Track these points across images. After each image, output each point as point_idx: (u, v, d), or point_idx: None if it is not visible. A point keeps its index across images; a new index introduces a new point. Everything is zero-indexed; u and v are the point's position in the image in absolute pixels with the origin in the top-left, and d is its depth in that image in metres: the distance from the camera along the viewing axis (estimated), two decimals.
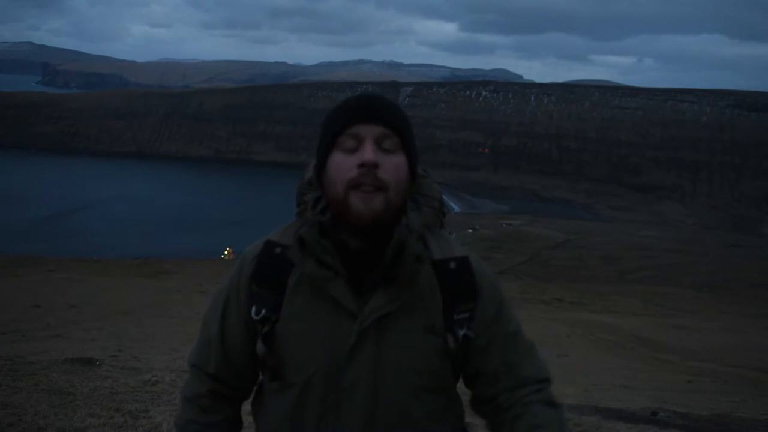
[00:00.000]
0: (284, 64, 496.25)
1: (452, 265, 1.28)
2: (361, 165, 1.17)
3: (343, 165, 1.20)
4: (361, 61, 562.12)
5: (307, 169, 1.38)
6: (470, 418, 1.42)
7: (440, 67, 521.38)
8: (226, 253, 53.44)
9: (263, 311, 1.24)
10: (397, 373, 1.22)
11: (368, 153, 1.18)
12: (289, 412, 1.25)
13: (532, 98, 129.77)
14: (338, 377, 1.21)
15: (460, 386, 1.35)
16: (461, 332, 1.25)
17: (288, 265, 1.25)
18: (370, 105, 1.24)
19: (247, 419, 1.42)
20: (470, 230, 66.67)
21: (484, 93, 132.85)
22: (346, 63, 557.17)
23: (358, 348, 1.21)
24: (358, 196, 1.18)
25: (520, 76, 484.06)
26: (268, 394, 1.31)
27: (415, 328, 1.23)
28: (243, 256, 1.33)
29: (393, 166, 1.20)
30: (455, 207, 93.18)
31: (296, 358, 1.23)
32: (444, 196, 1.45)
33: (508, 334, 1.32)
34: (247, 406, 1.41)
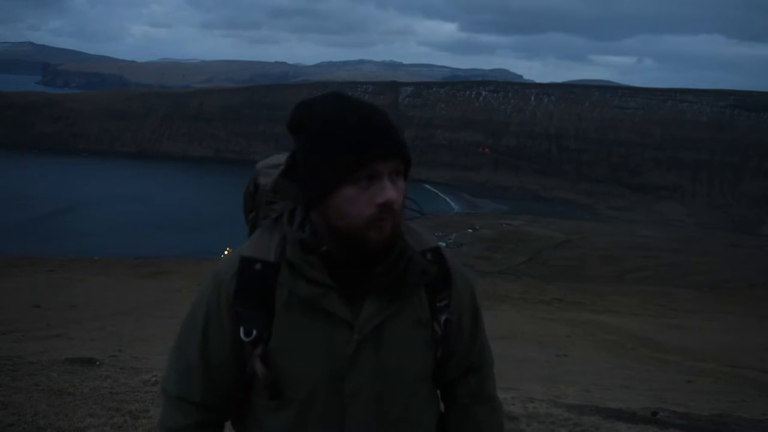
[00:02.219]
0: (284, 64, 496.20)
1: (429, 256, 1.30)
2: (383, 205, 1.14)
3: (358, 201, 1.14)
4: (361, 61, 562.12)
5: (259, 171, 1.36)
6: None
7: (440, 67, 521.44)
8: (225, 253, 53.46)
9: (254, 332, 1.20)
10: (398, 372, 1.24)
11: (391, 193, 1.14)
12: (291, 427, 1.23)
13: (532, 98, 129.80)
14: (340, 387, 1.21)
15: None
16: (443, 318, 1.29)
17: (272, 281, 1.21)
18: (388, 141, 1.17)
19: None
20: (470, 230, 66.64)
21: (484, 93, 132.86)
22: (346, 63, 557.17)
23: (359, 355, 1.20)
24: (374, 226, 1.15)
25: (520, 76, 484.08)
26: (263, 413, 1.27)
27: (407, 324, 1.25)
28: (217, 276, 1.26)
29: (401, 194, 1.19)
30: (455, 207, 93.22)
31: (295, 374, 1.21)
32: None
33: (477, 315, 1.40)
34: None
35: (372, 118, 1.18)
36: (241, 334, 1.20)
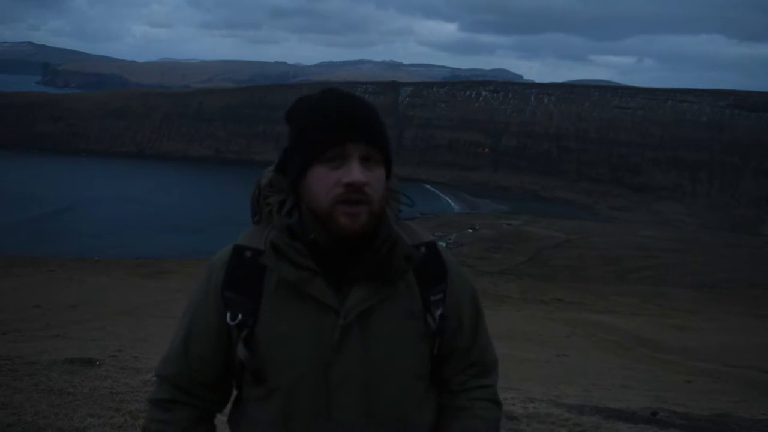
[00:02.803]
0: (284, 64, 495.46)
1: (422, 249, 1.32)
2: (349, 184, 1.17)
3: (326, 180, 1.19)
4: (361, 61, 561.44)
5: (262, 175, 1.39)
6: None
7: (440, 67, 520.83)
8: None
9: (239, 316, 1.23)
10: (385, 362, 1.24)
11: (357, 174, 1.17)
12: (278, 417, 1.24)
13: (532, 98, 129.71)
14: (326, 374, 1.21)
15: None
16: (438, 312, 1.30)
17: (261, 268, 1.24)
18: (359, 123, 1.20)
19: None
20: (470, 230, 66.64)
21: (484, 93, 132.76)
22: (346, 63, 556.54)
23: (344, 342, 1.21)
24: (344, 212, 1.18)
25: (520, 76, 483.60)
26: (251, 403, 1.29)
27: (396, 315, 1.25)
28: (211, 265, 1.32)
29: (375, 180, 1.21)
30: (455, 207, 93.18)
31: (280, 360, 1.22)
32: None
33: (478, 315, 1.40)
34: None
35: (350, 104, 1.22)
36: (228, 319, 1.24)
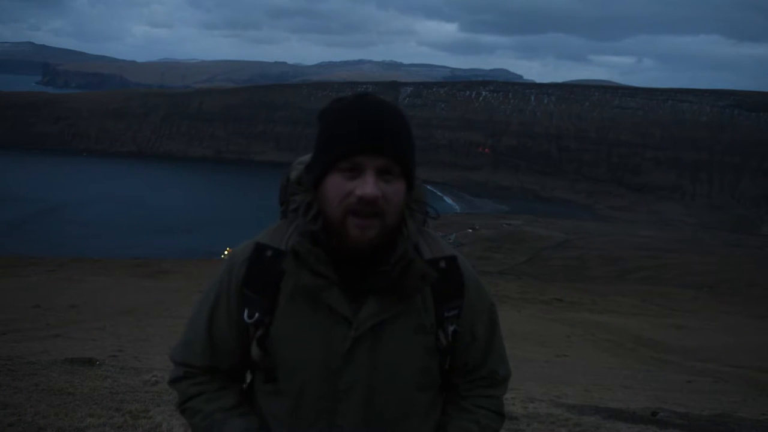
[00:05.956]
0: (284, 64, 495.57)
1: (442, 264, 1.30)
2: (361, 197, 1.15)
3: (341, 189, 1.18)
4: (361, 61, 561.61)
5: (292, 166, 1.38)
6: None
7: (440, 67, 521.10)
8: (226, 253, 53.46)
9: (256, 315, 1.25)
10: (392, 375, 1.24)
11: (370, 187, 1.15)
12: (284, 415, 1.27)
13: (532, 98, 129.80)
14: (334, 381, 1.23)
15: None
16: (451, 328, 1.29)
17: (280, 269, 1.24)
18: (375, 136, 1.18)
19: None
20: (470, 230, 66.63)
21: (484, 93, 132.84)
22: (346, 63, 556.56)
23: (354, 352, 1.22)
24: (355, 223, 1.17)
25: (520, 76, 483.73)
26: (261, 396, 1.32)
27: (408, 328, 1.25)
28: (232, 259, 1.32)
29: (392, 193, 1.19)
30: (455, 207, 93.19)
31: (291, 362, 1.24)
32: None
33: (494, 332, 1.38)
34: None
35: (372, 115, 1.20)
36: (245, 316, 1.26)
